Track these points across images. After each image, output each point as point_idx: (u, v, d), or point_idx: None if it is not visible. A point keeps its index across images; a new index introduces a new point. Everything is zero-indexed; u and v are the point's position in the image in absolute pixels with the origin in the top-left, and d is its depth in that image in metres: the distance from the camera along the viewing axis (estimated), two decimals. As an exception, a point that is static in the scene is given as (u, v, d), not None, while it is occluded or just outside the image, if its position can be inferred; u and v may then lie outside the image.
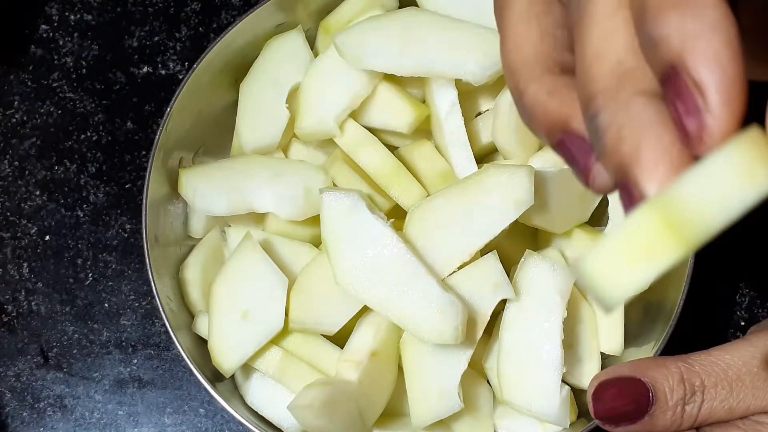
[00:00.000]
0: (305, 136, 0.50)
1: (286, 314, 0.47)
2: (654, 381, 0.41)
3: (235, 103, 0.52)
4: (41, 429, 0.55)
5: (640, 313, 0.49)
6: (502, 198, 0.45)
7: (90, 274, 0.57)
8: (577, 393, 0.48)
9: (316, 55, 0.52)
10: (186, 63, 0.60)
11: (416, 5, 0.50)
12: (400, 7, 0.51)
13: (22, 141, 0.59)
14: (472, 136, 0.50)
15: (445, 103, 0.49)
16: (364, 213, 0.45)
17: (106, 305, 0.57)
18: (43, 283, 0.57)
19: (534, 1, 0.30)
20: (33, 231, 0.58)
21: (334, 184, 0.49)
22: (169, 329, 0.47)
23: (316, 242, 0.49)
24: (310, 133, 0.50)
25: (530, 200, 0.45)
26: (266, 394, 0.49)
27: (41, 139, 0.59)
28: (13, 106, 0.60)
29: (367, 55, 0.48)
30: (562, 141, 0.29)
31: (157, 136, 0.49)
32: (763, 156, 0.23)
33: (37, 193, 0.59)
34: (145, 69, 0.60)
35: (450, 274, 0.45)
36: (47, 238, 0.58)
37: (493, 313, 0.45)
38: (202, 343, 0.49)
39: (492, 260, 0.46)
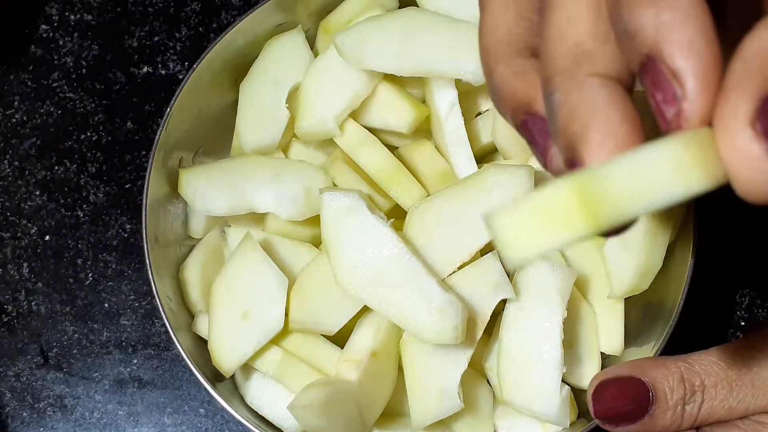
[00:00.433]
0: (305, 136, 0.50)
1: (286, 314, 0.47)
2: (654, 381, 0.41)
3: (235, 103, 0.52)
4: (41, 429, 0.55)
5: (640, 313, 0.49)
6: (502, 198, 0.45)
7: (90, 274, 0.57)
8: (577, 393, 0.48)
9: (316, 55, 0.52)
10: (186, 63, 0.60)
11: (416, 5, 0.50)
12: (400, 7, 0.51)
13: (22, 141, 0.59)
14: (472, 136, 0.50)
15: (445, 103, 0.49)
16: (364, 213, 0.45)
17: (106, 305, 0.57)
18: (43, 283, 0.57)
19: None
20: (33, 231, 0.58)
21: (334, 184, 0.49)
22: (169, 329, 0.47)
23: (316, 242, 0.49)
24: (310, 133, 0.50)
25: (530, 200, 0.45)
26: (266, 394, 0.49)
27: (41, 139, 0.59)
28: (13, 106, 0.60)
29: (367, 55, 0.48)
30: (525, 122, 0.30)
31: (157, 136, 0.49)
32: (704, 158, 0.23)
33: (37, 193, 0.59)
34: (145, 69, 0.60)
35: (450, 274, 0.45)
36: (47, 238, 0.58)
37: (493, 313, 0.45)
38: (202, 343, 0.49)
39: (492, 260, 0.45)
